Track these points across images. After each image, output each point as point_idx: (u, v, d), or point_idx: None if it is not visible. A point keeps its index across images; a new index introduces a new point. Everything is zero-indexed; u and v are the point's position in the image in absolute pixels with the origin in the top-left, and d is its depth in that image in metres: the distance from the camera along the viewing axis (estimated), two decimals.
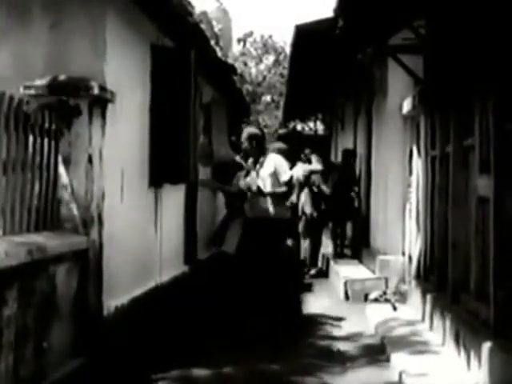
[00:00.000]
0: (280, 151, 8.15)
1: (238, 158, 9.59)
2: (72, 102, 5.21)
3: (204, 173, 9.94)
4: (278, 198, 7.20)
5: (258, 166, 7.31)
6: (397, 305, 7.83)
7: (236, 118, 14.72)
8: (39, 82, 5.20)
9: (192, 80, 7.49)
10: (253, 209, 7.30)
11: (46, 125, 4.99)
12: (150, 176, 6.99)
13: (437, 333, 6.19)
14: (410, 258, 8.04)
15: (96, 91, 5.28)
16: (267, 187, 7.16)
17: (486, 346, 4.65)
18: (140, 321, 6.27)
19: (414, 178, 7.99)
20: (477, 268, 5.41)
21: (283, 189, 7.19)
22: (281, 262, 7.22)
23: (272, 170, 7.18)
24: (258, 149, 7.41)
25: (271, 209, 7.15)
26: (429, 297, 6.68)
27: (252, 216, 7.33)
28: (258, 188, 7.17)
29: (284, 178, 7.17)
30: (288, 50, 15.55)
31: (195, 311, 7.38)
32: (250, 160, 7.51)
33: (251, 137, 7.44)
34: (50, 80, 5.21)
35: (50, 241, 4.68)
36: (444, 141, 6.59)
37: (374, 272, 9.40)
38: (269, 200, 7.18)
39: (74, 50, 5.53)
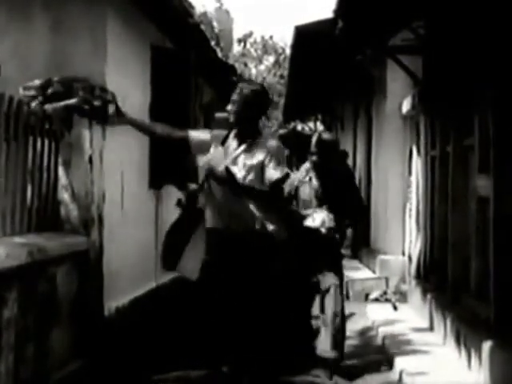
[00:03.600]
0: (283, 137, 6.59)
1: None
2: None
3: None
4: (266, 201, 4.46)
5: (239, 147, 4.53)
6: (397, 304, 7.83)
7: None
8: (38, 83, 5.20)
9: (192, 80, 7.50)
10: (219, 214, 4.49)
11: (47, 126, 4.99)
12: (150, 177, 7.00)
13: (437, 332, 6.20)
14: (410, 258, 8.05)
15: (96, 92, 5.28)
16: (245, 180, 4.42)
17: (487, 345, 4.66)
18: (140, 322, 6.27)
19: (413, 178, 8.01)
20: (477, 267, 5.42)
21: (268, 189, 4.43)
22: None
23: (260, 159, 4.43)
24: (253, 117, 4.58)
25: (261, 221, 4.43)
26: (429, 296, 6.69)
27: (216, 226, 4.51)
28: (228, 171, 4.38)
29: (275, 175, 4.40)
30: (288, 50, 15.57)
31: (195, 312, 7.37)
32: (233, 134, 4.60)
33: (243, 94, 4.56)
34: (44, 81, 5.20)
35: (50, 242, 4.69)
36: (444, 141, 6.60)
37: (374, 272, 9.41)
38: (248, 201, 4.42)
39: (75, 51, 5.53)
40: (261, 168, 4.44)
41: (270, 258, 4.47)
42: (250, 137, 4.53)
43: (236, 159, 4.50)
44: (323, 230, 5.31)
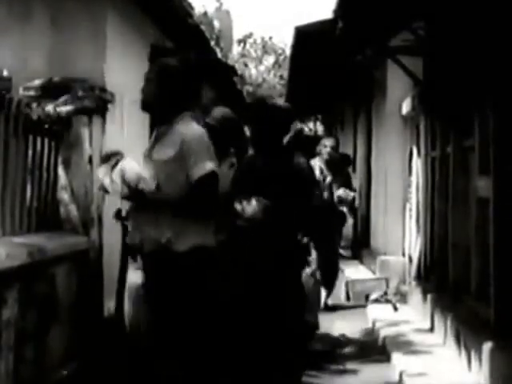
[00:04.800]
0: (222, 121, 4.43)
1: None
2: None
3: None
4: (187, 214, 3.41)
5: (154, 138, 3.67)
6: (397, 305, 7.82)
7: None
8: (38, 83, 5.21)
9: (192, 81, 7.48)
10: (138, 233, 3.56)
11: (46, 125, 4.99)
12: None
13: (437, 333, 6.20)
14: (411, 259, 8.05)
15: (96, 92, 5.29)
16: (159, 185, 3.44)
17: (487, 346, 4.66)
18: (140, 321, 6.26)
19: (413, 179, 8.00)
20: (477, 268, 5.42)
21: (189, 194, 3.41)
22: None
23: (174, 153, 3.46)
24: (169, 98, 3.59)
25: (170, 234, 3.42)
26: (429, 297, 6.68)
27: (132, 242, 3.61)
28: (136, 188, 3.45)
29: (198, 170, 3.41)
30: (288, 51, 15.57)
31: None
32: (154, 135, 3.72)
33: (156, 70, 3.67)
34: (44, 81, 5.21)
35: (50, 242, 4.68)
36: (444, 142, 6.60)
37: (374, 272, 9.40)
38: (164, 215, 3.44)
39: (75, 51, 5.54)
40: (176, 164, 3.43)
41: (189, 282, 3.42)
42: (164, 122, 3.58)
43: (151, 153, 3.58)
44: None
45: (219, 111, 4.62)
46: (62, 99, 5.09)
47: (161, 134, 3.59)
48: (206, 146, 3.50)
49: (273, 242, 4.10)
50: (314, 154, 7.81)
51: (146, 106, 3.73)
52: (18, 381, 4.11)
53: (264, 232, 4.05)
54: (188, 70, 3.68)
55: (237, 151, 4.54)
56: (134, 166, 3.47)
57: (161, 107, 3.61)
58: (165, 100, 3.58)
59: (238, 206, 4.07)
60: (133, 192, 3.42)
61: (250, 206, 4.06)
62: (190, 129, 3.52)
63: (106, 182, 3.47)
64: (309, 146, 8.05)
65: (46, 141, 5.01)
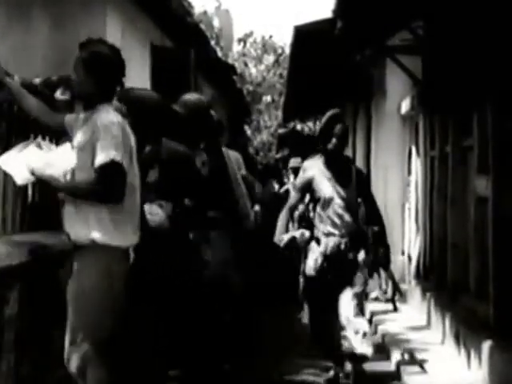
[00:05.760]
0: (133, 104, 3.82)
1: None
2: None
3: None
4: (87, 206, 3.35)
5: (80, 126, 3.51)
6: (397, 304, 7.84)
7: (236, 117, 14.74)
8: (37, 82, 5.22)
9: (191, 79, 7.51)
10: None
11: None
12: None
13: (436, 332, 6.21)
14: (410, 258, 8.07)
15: None
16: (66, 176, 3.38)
17: (486, 345, 4.67)
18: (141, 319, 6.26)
19: (413, 178, 8.02)
20: (476, 267, 5.43)
21: (86, 186, 3.34)
22: None
23: (84, 142, 3.37)
24: (93, 86, 3.47)
25: (68, 227, 3.46)
26: (428, 296, 6.70)
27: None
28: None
29: (99, 159, 3.28)
30: (288, 50, 15.57)
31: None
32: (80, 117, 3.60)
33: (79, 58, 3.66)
34: (44, 80, 5.21)
35: (51, 240, 4.69)
36: (443, 141, 6.61)
37: None
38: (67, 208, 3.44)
39: (74, 50, 5.52)
40: (85, 152, 3.33)
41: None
42: (88, 109, 3.51)
43: (73, 141, 3.51)
44: None
45: (186, 98, 4.34)
46: (59, 92, 5.08)
47: (82, 121, 3.52)
48: (112, 135, 3.32)
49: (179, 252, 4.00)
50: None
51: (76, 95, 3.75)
52: (19, 379, 4.12)
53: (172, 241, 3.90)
54: (117, 59, 3.60)
55: (207, 141, 4.36)
56: (39, 152, 3.36)
57: (85, 93, 3.55)
58: (90, 86, 3.50)
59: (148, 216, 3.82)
60: (39, 179, 3.36)
61: (156, 216, 3.85)
62: (104, 118, 3.40)
63: (8, 168, 3.37)
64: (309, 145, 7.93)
65: (47, 139, 5.01)
